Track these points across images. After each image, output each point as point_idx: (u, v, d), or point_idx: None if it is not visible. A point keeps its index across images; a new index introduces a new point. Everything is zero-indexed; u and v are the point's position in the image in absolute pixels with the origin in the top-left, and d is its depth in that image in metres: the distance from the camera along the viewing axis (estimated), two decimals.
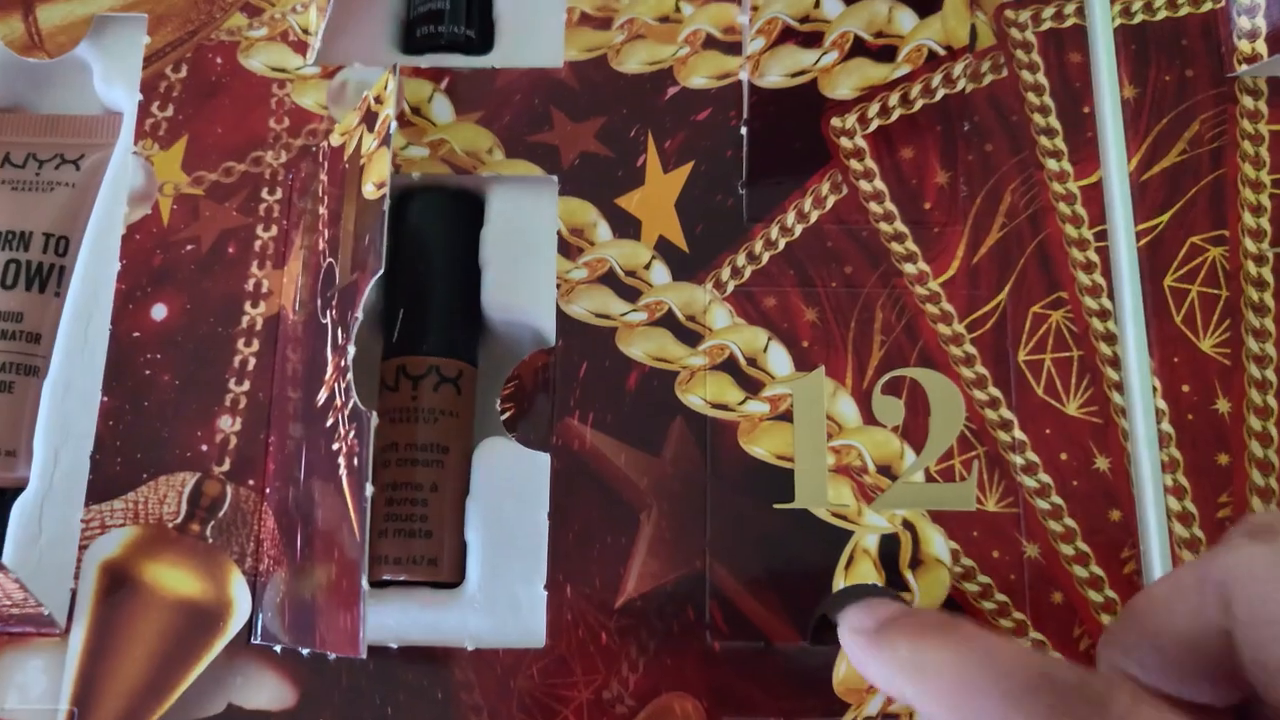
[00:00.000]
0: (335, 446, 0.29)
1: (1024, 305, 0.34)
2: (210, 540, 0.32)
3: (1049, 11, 0.37)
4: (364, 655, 0.27)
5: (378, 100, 0.32)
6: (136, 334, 0.34)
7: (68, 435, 0.33)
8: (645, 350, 0.33)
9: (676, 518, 0.32)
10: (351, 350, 0.29)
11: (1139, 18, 0.37)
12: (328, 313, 0.31)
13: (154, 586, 0.31)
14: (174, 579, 0.31)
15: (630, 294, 0.34)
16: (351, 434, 0.29)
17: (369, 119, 0.32)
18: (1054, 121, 0.35)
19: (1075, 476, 0.32)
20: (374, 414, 0.28)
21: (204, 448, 0.33)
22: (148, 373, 0.33)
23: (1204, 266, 0.34)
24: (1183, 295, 0.34)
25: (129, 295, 0.34)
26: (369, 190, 0.31)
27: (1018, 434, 0.32)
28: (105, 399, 0.33)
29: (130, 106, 0.36)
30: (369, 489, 0.27)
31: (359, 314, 0.29)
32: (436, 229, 0.35)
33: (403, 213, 0.35)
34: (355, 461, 0.28)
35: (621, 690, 0.31)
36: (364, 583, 0.27)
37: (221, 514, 0.32)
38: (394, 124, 0.31)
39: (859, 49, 0.36)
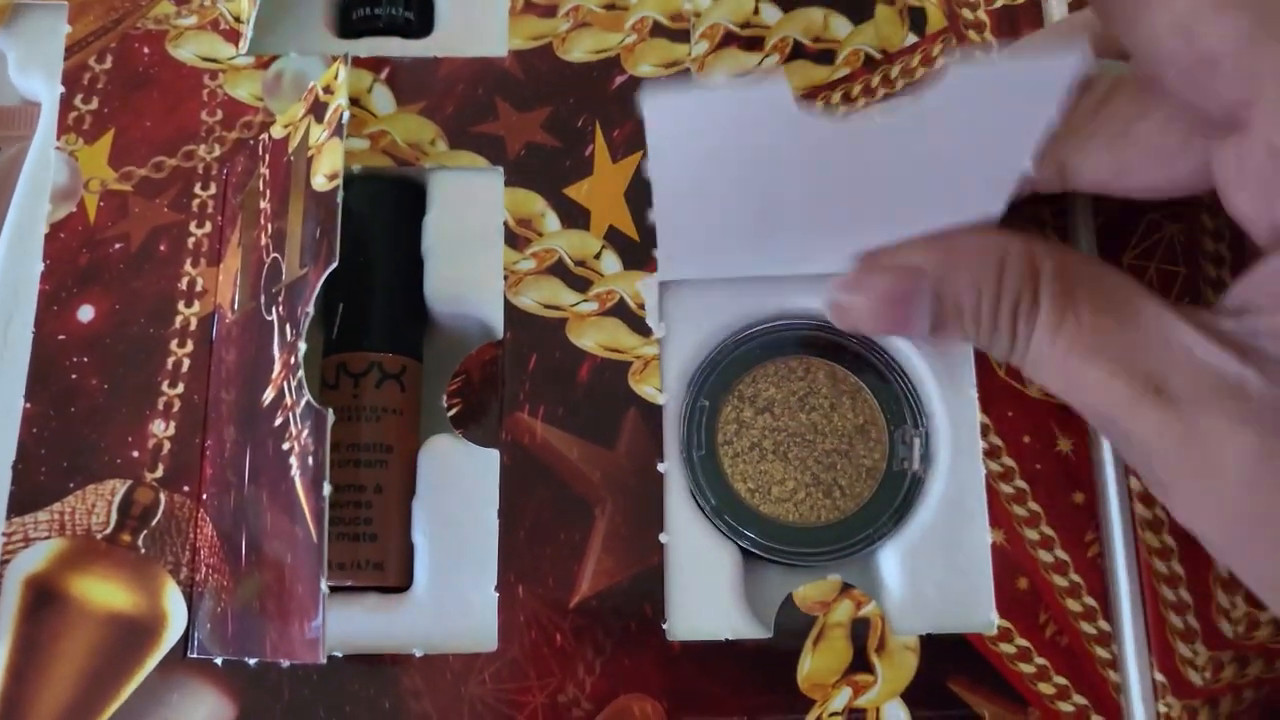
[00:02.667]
0: (286, 446, 0.28)
1: None
2: (143, 551, 0.30)
3: None
4: (324, 660, 0.25)
5: (327, 90, 0.30)
6: (61, 337, 0.32)
7: None
8: (597, 341, 0.32)
9: (631, 512, 0.30)
10: (303, 347, 0.27)
11: None
12: (273, 309, 0.30)
13: (82, 601, 0.29)
14: (104, 592, 0.29)
15: (580, 284, 0.32)
16: (305, 432, 0.27)
17: (316, 109, 0.31)
18: None
19: (1039, 459, 0.31)
20: (330, 411, 0.26)
21: (135, 454, 0.31)
22: (74, 377, 0.31)
23: (1162, 243, 0.33)
24: (1141, 273, 0.33)
25: (53, 296, 0.32)
26: (319, 182, 0.29)
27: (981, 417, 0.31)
28: (28, 405, 0.31)
29: (50, 97, 0.34)
30: (327, 487, 0.26)
31: (310, 309, 0.28)
32: (376, 219, 0.33)
33: (342, 202, 0.33)
34: (310, 460, 0.26)
35: (578, 693, 0.29)
36: (323, 585, 0.25)
37: (154, 523, 0.30)
38: (346, 114, 0.29)
39: (799, 52, 0.35)
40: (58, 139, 0.34)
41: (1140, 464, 0.25)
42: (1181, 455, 0.23)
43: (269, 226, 0.31)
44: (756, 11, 0.35)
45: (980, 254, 0.26)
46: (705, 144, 0.27)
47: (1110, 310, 0.25)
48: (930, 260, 0.27)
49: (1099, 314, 0.25)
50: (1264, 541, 0.23)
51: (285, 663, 0.29)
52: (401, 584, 0.30)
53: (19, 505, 0.30)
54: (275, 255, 0.30)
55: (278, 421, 0.28)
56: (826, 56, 0.35)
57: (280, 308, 0.29)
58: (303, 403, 0.27)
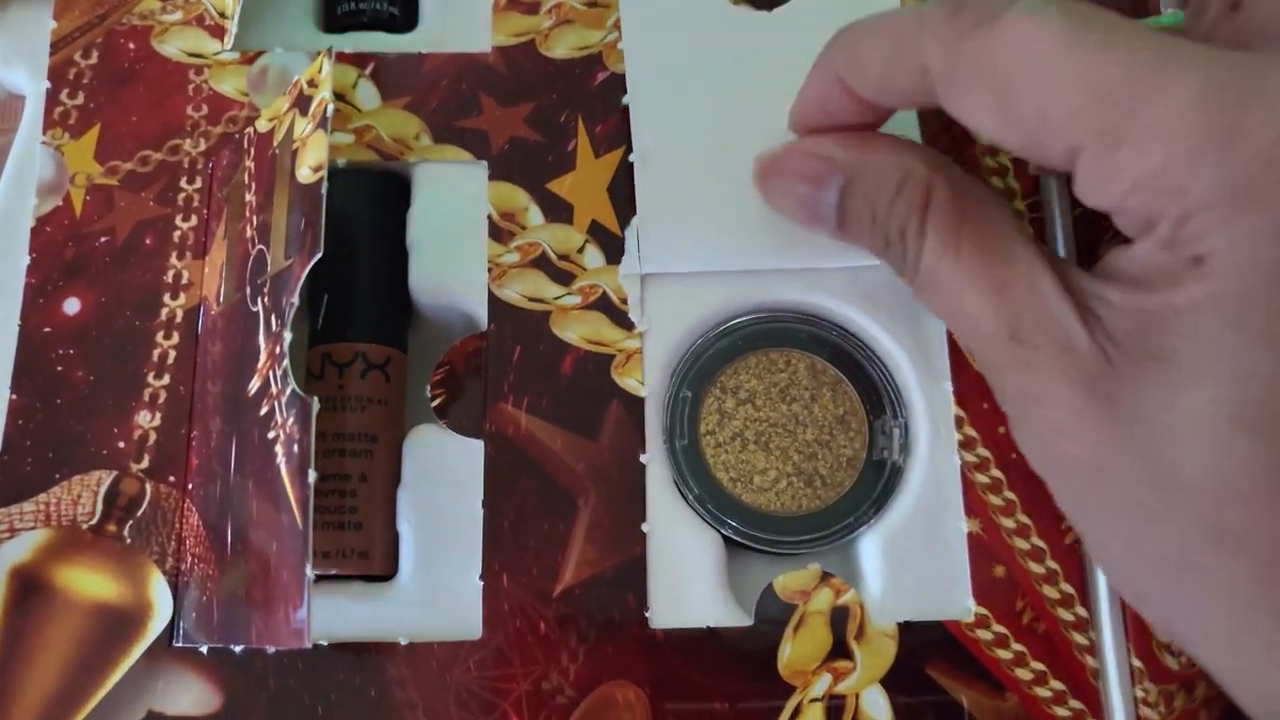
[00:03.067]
0: (271, 435, 0.28)
1: None
2: (128, 541, 0.30)
3: None
4: (309, 646, 0.25)
5: (311, 84, 0.31)
6: (47, 329, 0.32)
7: None
8: (580, 334, 0.32)
9: (615, 503, 0.31)
10: (288, 336, 0.27)
11: None
12: (259, 300, 0.30)
13: (68, 591, 0.29)
14: (89, 582, 0.29)
15: (563, 278, 0.33)
16: (291, 421, 0.27)
17: (301, 103, 0.31)
18: None
19: (1014, 449, 0.31)
20: (315, 399, 0.26)
21: (121, 445, 0.31)
22: (60, 369, 0.31)
23: None
24: None
25: (39, 289, 0.32)
26: (304, 174, 0.29)
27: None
28: (14, 397, 0.31)
29: (35, 91, 0.34)
30: (312, 475, 0.26)
31: (295, 300, 0.28)
32: (361, 211, 0.33)
33: (326, 194, 0.33)
34: (295, 449, 0.27)
35: (562, 681, 0.29)
36: (309, 571, 0.25)
37: (140, 513, 0.30)
38: (331, 106, 0.29)
39: None
40: (44, 134, 0.34)
41: (999, 398, 0.26)
42: (1023, 399, 0.25)
43: (254, 219, 0.31)
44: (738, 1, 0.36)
45: (883, 169, 0.28)
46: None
47: (988, 249, 0.26)
48: (842, 158, 0.28)
49: (977, 250, 0.26)
50: (1081, 487, 0.25)
51: (271, 649, 0.29)
52: (386, 573, 0.31)
53: (4, 496, 0.30)
54: (261, 247, 0.31)
55: (263, 411, 0.28)
56: None
57: (265, 299, 0.29)
58: (288, 391, 0.27)
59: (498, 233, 0.33)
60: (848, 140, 0.29)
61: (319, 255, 0.27)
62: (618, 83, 0.34)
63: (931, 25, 0.25)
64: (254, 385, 0.29)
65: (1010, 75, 0.23)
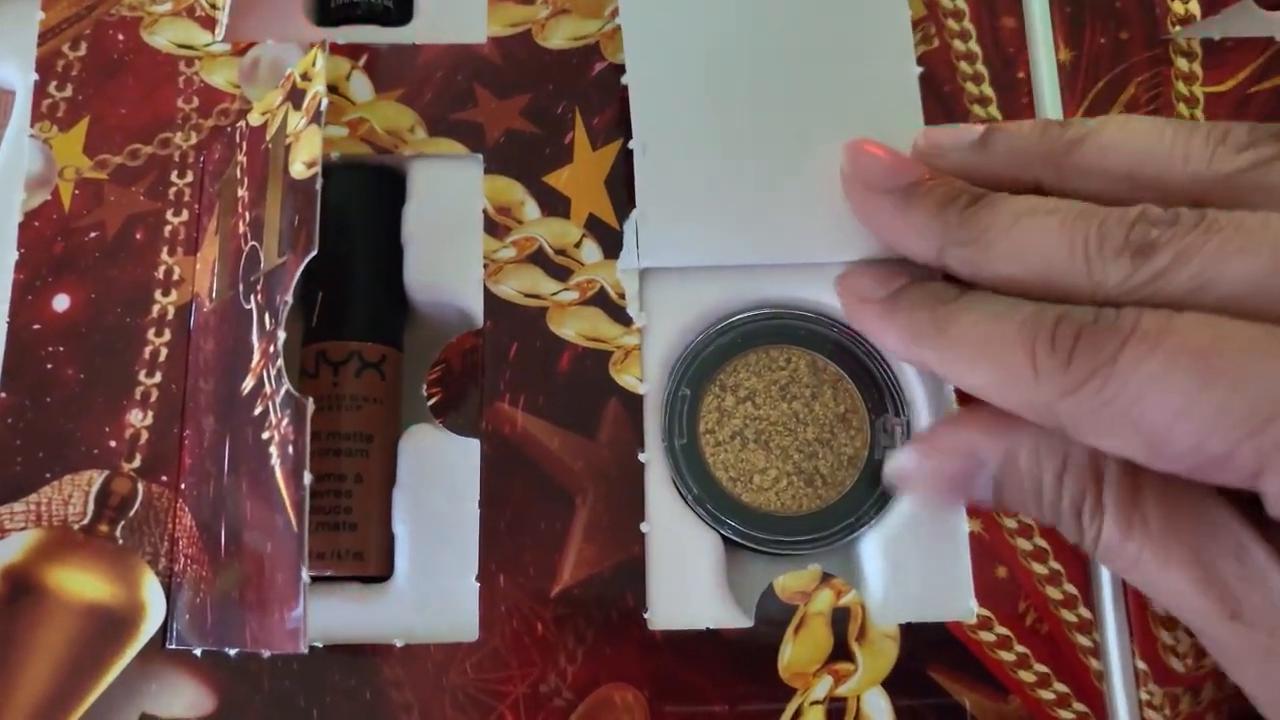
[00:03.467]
0: (266, 435, 0.27)
1: None
2: (120, 541, 0.29)
3: None
4: (305, 650, 0.25)
5: (305, 77, 0.30)
6: (36, 326, 0.31)
7: None
8: (577, 330, 0.31)
9: (613, 501, 0.30)
10: (282, 335, 0.27)
11: None
12: (251, 297, 0.29)
13: (59, 592, 0.29)
14: (81, 583, 0.29)
15: (561, 273, 0.32)
16: (285, 421, 0.26)
17: (294, 96, 0.30)
18: (987, 89, 0.34)
19: None
20: (310, 400, 0.26)
21: (112, 444, 0.30)
22: (49, 366, 0.31)
23: None
24: None
25: (27, 286, 0.31)
26: (298, 170, 0.29)
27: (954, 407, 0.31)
28: (3, 395, 0.30)
29: (24, 85, 0.33)
30: (307, 477, 0.25)
31: (289, 298, 0.27)
32: (356, 207, 0.32)
33: (320, 191, 0.33)
34: (290, 450, 0.26)
35: (559, 683, 0.29)
36: (304, 574, 0.25)
37: (132, 513, 0.30)
38: (325, 100, 0.28)
39: None
40: (32, 126, 0.33)
41: (1222, 663, 0.24)
42: (1265, 673, 0.23)
43: (247, 215, 0.31)
44: None
45: (1039, 455, 0.25)
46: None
47: (1179, 516, 0.23)
48: (989, 452, 0.26)
49: (1167, 521, 0.23)
50: None
51: (266, 653, 0.28)
52: (382, 573, 0.30)
53: None
54: (254, 243, 0.30)
55: (257, 410, 0.28)
56: None
57: (259, 296, 0.29)
58: (282, 391, 0.27)
59: (493, 227, 0.32)
60: (984, 426, 0.26)
61: (313, 253, 0.27)
62: (616, 74, 0.34)
63: (1047, 376, 0.23)
64: (248, 384, 0.28)
65: (1150, 422, 0.22)
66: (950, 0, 0.35)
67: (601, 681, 0.29)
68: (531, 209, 0.33)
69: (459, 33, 0.34)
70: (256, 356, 0.28)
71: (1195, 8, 0.34)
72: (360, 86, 0.34)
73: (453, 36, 0.34)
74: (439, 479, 0.30)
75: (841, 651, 0.29)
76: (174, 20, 0.34)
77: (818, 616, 0.29)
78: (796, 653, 0.29)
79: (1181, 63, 0.34)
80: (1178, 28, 0.34)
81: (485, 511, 0.30)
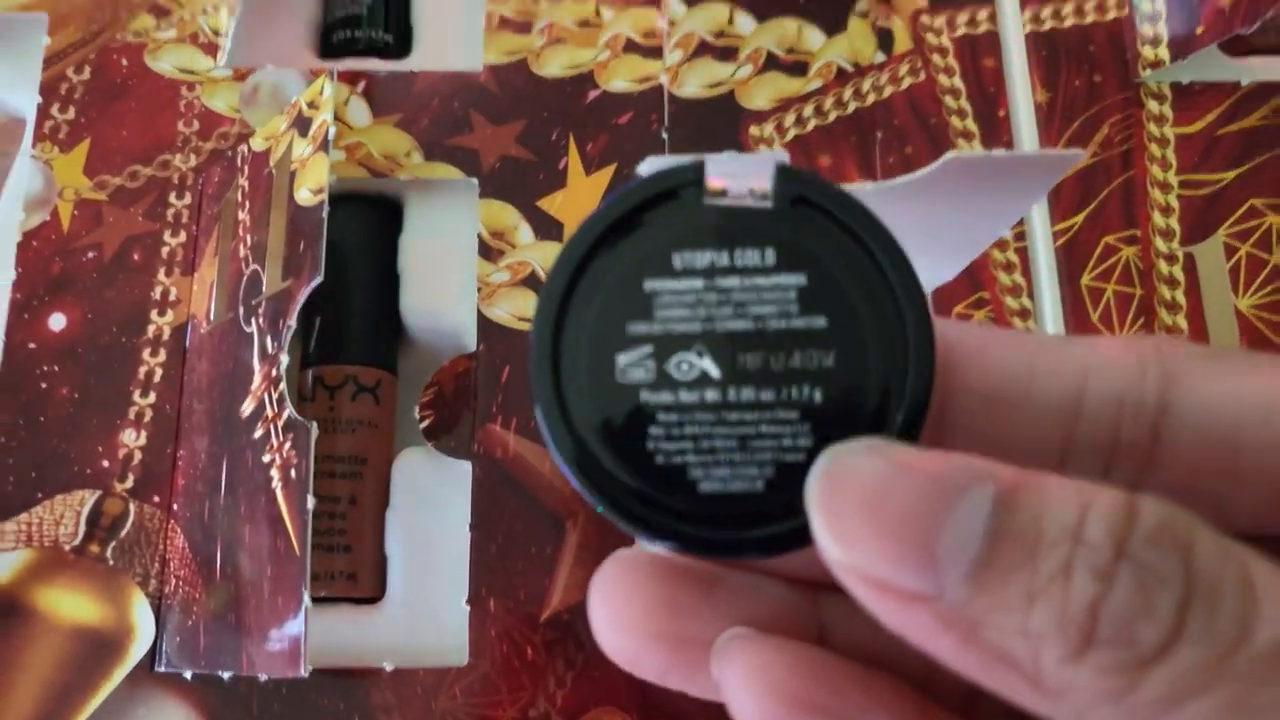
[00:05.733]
0: (267, 458, 0.26)
1: (946, 307, 0.31)
2: (111, 562, 0.28)
3: (963, 17, 0.34)
4: (305, 673, 0.23)
5: (311, 105, 0.28)
6: (32, 345, 0.29)
7: None
8: None
9: (603, 525, 0.28)
10: (284, 360, 0.25)
11: (1048, 25, 0.34)
12: (253, 321, 0.27)
13: (48, 614, 0.27)
14: (70, 605, 0.27)
15: None
16: (288, 445, 0.25)
17: (300, 123, 0.29)
18: (971, 124, 0.33)
19: None
20: (314, 424, 0.24)
21: (105, 464, 0.28)
22: (44, 385, 0.29)
23: (1118, 265, 0.32)
24: (1099, 294, 0.31)
25: (24, 305, 0.30)
26: (304, 196, 0.27)
27: None
28: None
29: (30, 109, 0.32)
30: (310, 500, 0.24)
31: (292, 322, 0.26)
32: (354, 235, 0.31)
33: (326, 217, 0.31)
34: (293, 473, 0.25)
35: (549, 707, 0.27)
36: (305, 597, 0.23)
37: (123, 534, 0.28)
38: (332, 129, 0.27)
39: (772, 63, 0.33)
40: (33, 147, 0.31)
41: None
42: None
43: (248, 238, 0.29)
44: (731, 21, 0.34)
45: (1061, 488, 0.15)
46: None
47: None
48: (999, 471, 0.15)
49: None
50: None
51: (263, 676, 0.27)
52: (374, 595, 0.28)
53: None
54: (255, 267, 0.28)
55: (258, 433, 0.26)
56: (800, 68, 0.33)
57: (261, 320, 0.27)
58: (285, 415, 0.25)
59: (488, 251, 0.31)
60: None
61: (318, 279, 0.25)
62: (609, 101, 0.32)
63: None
64: (248, 407, 0.27)
65: None
66: (935, 38, 0.34)
67: (591, 706, 0.27)
68: (525, 233, 0.31)
69: (456, 60, 0.33)
70: (258, 380, 0.27)
71: (1164, 53, 0.33)
72: (358, 112, 0.32)
73: (450, 64, 0.33)
74: (432, 502, 0.29)
75: None
76: (178, 46, 0.33)
77: None
78: None
79: (1153, 105, 0.33)
80: (1148, 71, 0.33)
81: (476, 535, 0.28)
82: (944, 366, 0.15)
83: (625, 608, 0.17)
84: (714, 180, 0.16)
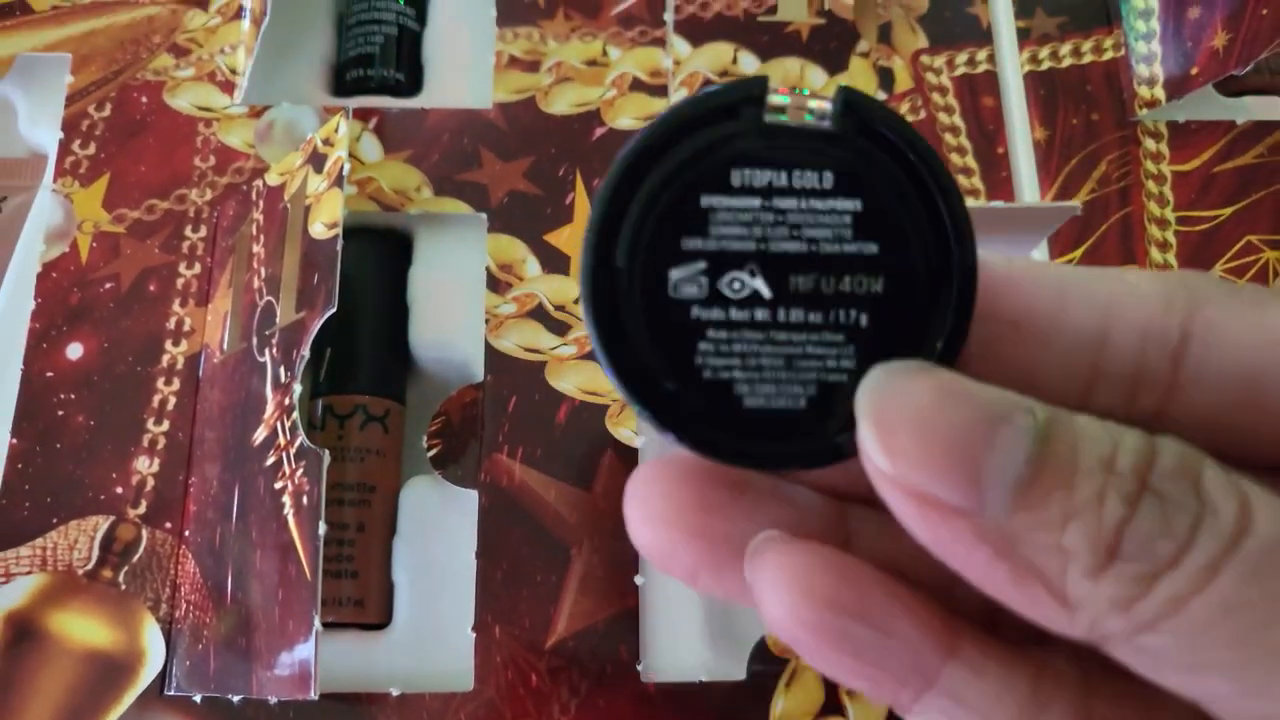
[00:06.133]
0: (279, 485, 0.26)
1: None
2: (123, 587, 0.28)
3: (962, 57, 0.35)
4: (316, 696, 0.24)
5: (326, 142, 0.29)
6: (50, 374, 0.30)
7: None
8: (576, 384, 0.31)
9: (608, 554, 0.29)
10: (297, 389, 0.26)
11: (1046, 65, 0.35)
12: (266, 351, 0.28)
13: (60, 637, 0.27)
14: (82, 628, 0.28)
15: (560, 328, 0.31)
16: (300, 472, 0.26)
17: (315, 160, 0.29)
18: (971, 161, 0.34)
19: None
20: (326, 452, 0.25)
21: (119, 490, 0.29)
22: (61, 413, 0.30)
23: None
24: None
25: (43, 334, 0.30)
26: (318, 230, 0.28)
27: None
28: (14, 441, 0.29)
29: (52, 144, 0.32)
30: (322, 526, 0.25)
31: (306, 352, 0.26)
32: (364, 268, 0.32)
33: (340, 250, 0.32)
34: (305, 500, 0.25)
35: None
36: (316, 621, 0.24)
37: (136, 559, 0.28)
38: (347, 166, 0.28)
39: None
40: (55, 182, 0.32)
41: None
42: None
43: (262, 270, 0.30)
44: (735, 61, 0.35)
45: (1097, 424, 0.16)
46: None
47: None
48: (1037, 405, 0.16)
49: None
50: None
51: (273, 699, 0.27)
52: (381, 620, 0.29)
53: (2, 540, 0.28)
54: (269, 299, 0.29)
55: (269, 460, 0.27)
56: None
57: (274, 350, 0.28)
58: (297, 443, 0.26)
59: (496, 284, 0.32)
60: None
61: (332, 310, 0.26)
62: (615, 138, 0.33)
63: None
64: (260, 435, 0.27)
65: None
66: (935, 76, 0.35)
67: None
68: (533, 266, 0.32)
69: (466, 98, 0.34)
70: (271, 408, 0.27)
71: (1160, 93, 0.34)
72: (370, 147, 0.33)
73: (460, 102, 0.34)
74: (438, 529, 0.29)
75: (833, 704, 0.28)
76: (196, 84, 0.34)
77: (809, 669, 0.28)
78: (789, 705, 0.28)
79: (1149, 143, 0.34)
80: (1144, 110, 0.34)
81: (482, 562, 0.29)
82: (979, 294, 0.16)
83: (659, 504, 0.17)
84: (776, 98, 0.16)
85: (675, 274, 0.16)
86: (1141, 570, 0.14)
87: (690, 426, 0.16)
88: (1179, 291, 0.16)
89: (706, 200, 0.15)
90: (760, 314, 0.15)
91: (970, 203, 0.22)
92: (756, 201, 0.16)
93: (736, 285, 0.16)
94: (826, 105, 0.16)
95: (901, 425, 0.15)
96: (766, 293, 0.15)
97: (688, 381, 0.16)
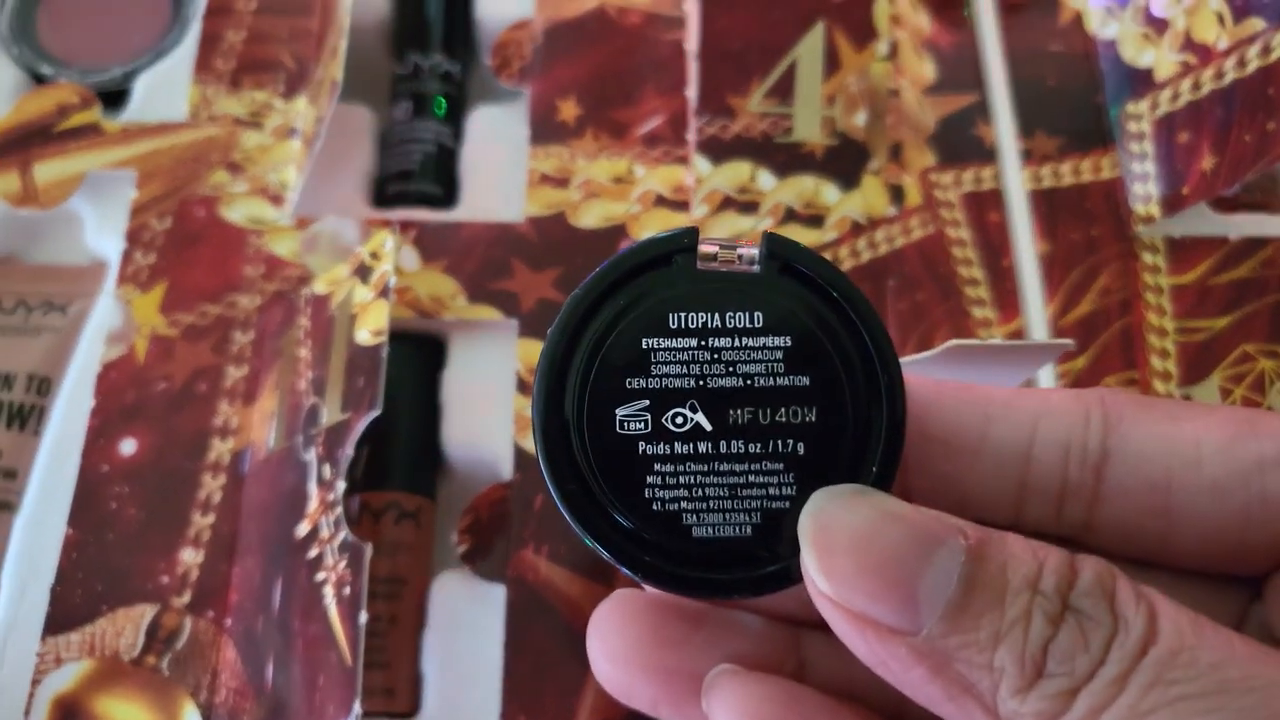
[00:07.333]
0: (321, 577, 0.28)
1: None
2: (166, 673, 0.30)
3: (969, 175, 0.37)
4: None
5: (374, 256, 0.32)
6: (105, 468, 0.32)
7: (36, 569, 0.31)
8: None
9: None
10: (341, 485, 0.28)
11: (1047, 183, 0.38)
12: (311, 449, 0.30)
13: None
14: (126, 713, 0.29)
15: None
16: (343, 564, 0.28)
17: (362, 272, 0.32)
18: (977, 272, 0.36)
19: None
20: (369, 545, 0.27)
21: (165, 579, 0.31)
22: (114, 505, 0.32)
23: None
24: None
25: (101, 431, 0.33)
26: (364, 337, 0.31)
27: None
28: (70, 531, 0.31)
29: (116, 253, 0.35)
30: (363, 616, 0.27)
31: (350, 451, 0.29)
32: (401, 371, 0.34)
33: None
34: (347, 590, 0.27)
35: None
36: (357, 706, 0.25)
37: (179, 646, 0.30)
38: (392, 279, 0.30)
39: (791, 216, 0.36)
40: (117, 288, 0.35)
41: None
42: None
43: (309, 374, 0.32)
44: (753, 179, 0.37)
45: (1024, 544, 0.17)
46: None
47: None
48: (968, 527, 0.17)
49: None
50: None
51: None
52: (410, 710, 0.30)
53: (54, 626, 0.30)
54: (315, 400, 0.31)
55: (312, 554, 0.29)
56: (817, 221, 0.36)
57: (319, 448, 0.30)
58: (340, 537, 0.28)
59: (525, 387, 0.34)
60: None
61: (377, 412, 0.28)
62: None
63: None
64: (303, 529, 0.29)
65: None
66: (943, 193, 0.37)
67: None
68: None
69: (500, 212, 0.37)
70: (314, 504, 0.29)
71: (1155, 209, 0.36)
72: (409, 257, 0.36)
73: (494, 215, 0.37)
74: (466, 622, 0.31)
75: None
76: (248, 198, 0.37)
77: None
78: None
79: (1147, 257, 0.36)
80: (1142, 226, 0.36)
81: (508, 654, 0.30)
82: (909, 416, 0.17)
83: (618, 641, 0.19)
84: (706, 247, 0.18)
85: (621, 412, 0.17)
86: (1063, 686, 0.15)
87: (643, 560, 0.17)
88: (1096, 409, 0.18)
89: (647, 342, 0.17)
90: (703, 446, 0.17)
91: (965, 341, 0.24)
92: (694, 341, 0.17)
93: (679, 420, 0.17)
94: (753, 251, 0.18)
95: (840, 548, 0.16)
96: (708, 425, 0.17)
97: (639, 514, 0.17)
